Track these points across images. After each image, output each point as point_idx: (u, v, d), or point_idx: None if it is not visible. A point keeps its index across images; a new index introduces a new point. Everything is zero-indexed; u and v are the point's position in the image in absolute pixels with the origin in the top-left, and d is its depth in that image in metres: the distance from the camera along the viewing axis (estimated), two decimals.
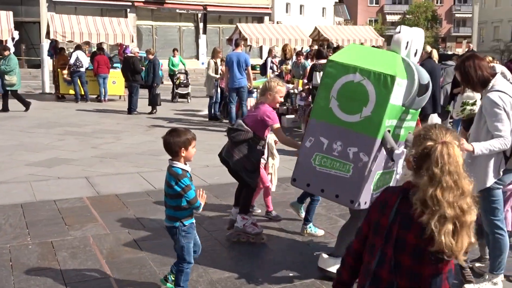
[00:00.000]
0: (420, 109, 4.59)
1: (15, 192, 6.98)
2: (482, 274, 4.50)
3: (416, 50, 4.42)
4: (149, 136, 11.35)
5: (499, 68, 9.13)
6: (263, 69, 14.81)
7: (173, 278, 4.19)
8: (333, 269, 4.42)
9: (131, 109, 14.80)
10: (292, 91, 13.08)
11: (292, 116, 13.14)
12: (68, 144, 10.37)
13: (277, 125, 5.22)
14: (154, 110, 14.82)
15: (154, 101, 14.88)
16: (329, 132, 4.20)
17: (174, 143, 3.87)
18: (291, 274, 4.63)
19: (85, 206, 6.43)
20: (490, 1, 52.91)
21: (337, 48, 14.86)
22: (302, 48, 20.92)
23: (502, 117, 3.89)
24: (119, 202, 6.64)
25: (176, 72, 18.35)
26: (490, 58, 10.93)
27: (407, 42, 4.32)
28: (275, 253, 5.14)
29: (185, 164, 3.95)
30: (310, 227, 5.62)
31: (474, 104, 4.45)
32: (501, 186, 4.12)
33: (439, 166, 2.12)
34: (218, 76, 13.30)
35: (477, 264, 4.72)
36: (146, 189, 7.22)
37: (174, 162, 3.92)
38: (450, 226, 2.07)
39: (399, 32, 4.33)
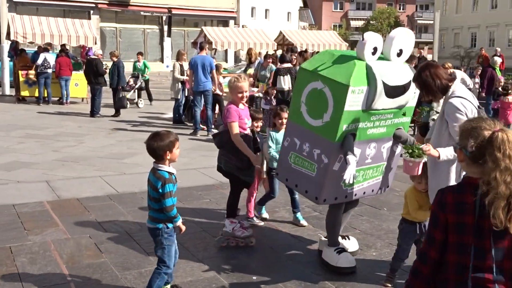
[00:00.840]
0: (411, 107, 4.83)
1: None
2: None
3: (401, 50, 4.53)
4: (112, 140, 11.21)
5: (460, 74, 9.35)
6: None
7: None
8: (326, 257, 4.85)
9: (94, 112, 14.59)
10: (257, 95, 13.11)
11: None
12: (28, 147, 10.15)
13: (233, 123, 5.19)
14: (118, 113, 14.64)
15: (119, 104, 14.69)
16: (301, 133, 4.61)
17: (159, 147, 3.85)
18: (254, 278, 4.64)
19: (45, 211, 6.30)
20: (450, 8, 54.21)
21: (305, 51, 14.98)
22: (267, 51, 21.02)
23: None
24: (81, 206, 6.53)
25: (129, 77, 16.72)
26: (450, 65, 11.19)
27: (375, 48, 4.42)
28: (240, 256, 5.14)
29: (169, 166, 3.94)
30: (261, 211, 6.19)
31: (430, 109, 4.55)
32: None
33: (501, 151, 2.34)
34: (184, 77, 13.23)
35: None
36: (109, 193, 7.13)
37: (160, 165, 3.90)
38: (502, 203, 2.31)
39: (363, 39, 4.44)
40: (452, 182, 4.07)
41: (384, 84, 4.30)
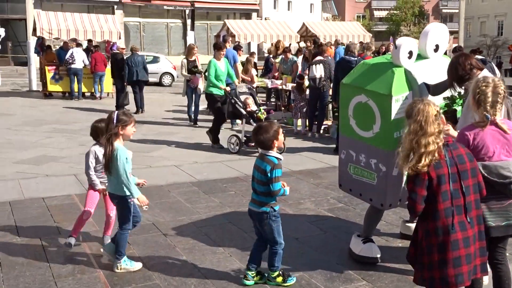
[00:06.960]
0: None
1: (3, 190, 6.95)
2: None
3: (437, 45, 4.57)
4: (137, 134, 11.26)
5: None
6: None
7: (252, 275, 4.38)
8: (351, 245, 4.92)
9: (118, 106, 14.66)
10: (280, 87, 13.13)
11: (281, 112, 13.22)
12: (56, 141, 10.32)
13: None
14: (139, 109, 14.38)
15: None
16: (354, 145, 4.69)
17: (266, 139, 4.14)
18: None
19: (74, 203, 6.42)
20: None
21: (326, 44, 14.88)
22: (290, 44, 20.96)
23: None
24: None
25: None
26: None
27: (410, 52, 4.41)
28: None
29: (278, 152, 4.26)
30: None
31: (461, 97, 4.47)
32: None
33: (412, 118, 3.32)
34: (189, 75, 12.32)
35: None
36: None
37: (269, 152, 4.18)
38: (403, 154, 3.34)
39: (396, 47, 4.42)
40: None
41: (426, 85, 4.34)
